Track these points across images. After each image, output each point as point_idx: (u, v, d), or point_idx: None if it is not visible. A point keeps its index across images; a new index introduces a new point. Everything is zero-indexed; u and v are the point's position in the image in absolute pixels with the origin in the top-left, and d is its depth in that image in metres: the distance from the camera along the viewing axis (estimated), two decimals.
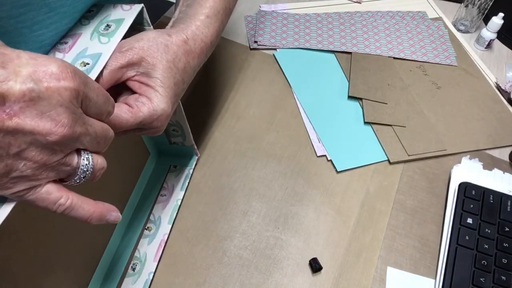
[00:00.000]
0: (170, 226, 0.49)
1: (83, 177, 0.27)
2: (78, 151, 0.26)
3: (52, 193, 0.26)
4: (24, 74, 0.22)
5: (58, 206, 0.26)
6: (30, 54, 0.23)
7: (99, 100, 0.27)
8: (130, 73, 0.34)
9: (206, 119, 0.60)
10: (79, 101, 0.25)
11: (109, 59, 0.32)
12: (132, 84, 0.34)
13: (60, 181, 0.27)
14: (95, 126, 0.27)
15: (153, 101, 0.33)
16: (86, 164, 0.27)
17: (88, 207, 0.28)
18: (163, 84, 0.34)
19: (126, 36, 0.34)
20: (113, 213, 0.30)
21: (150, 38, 0.35)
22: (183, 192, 0.52)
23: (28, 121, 0.22)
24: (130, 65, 0.33)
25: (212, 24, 0.41)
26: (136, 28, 0.38)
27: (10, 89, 0.21)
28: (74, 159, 0.26)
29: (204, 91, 0.63)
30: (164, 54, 0.35)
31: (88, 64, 0.31)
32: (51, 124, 0.23)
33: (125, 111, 0.31)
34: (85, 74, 0.26)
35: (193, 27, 0.39)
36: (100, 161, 0.28)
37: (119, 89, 0.35)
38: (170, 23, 0.41)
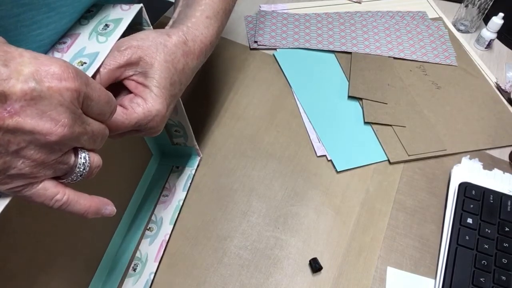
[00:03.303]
0: (172, 226, 0.49)
1: (80, 176, 0.27)
2: (75, 150, 0.27)
3: (49, 189, 0.26)
4: (26, 73, 0.22)
5: (55, 202, 0.26)
6: (32, 53, 0.23)
7: (101, 100, 0.27)
8: (128, 72, 0.34)
9: (206, 119, 0.60)
10: (80, 101, 0.25)
11: (107, 57, 0.32)
12: (128, 83, 0.34)
13: (57, 179, 0.27)
14: (93, 125, 0.27)
15: (148, 102, 0.33)
16: (83, 163, 0.27)
17: (84, 202, 0.28)
18: (159, 85, 0.34)
19: (125, 36, 0.34)
20: (108, 207, 0.30)
21: (149, 37, 0.35)
22: (185, 193, 0.52)
23: (29, 120, 0.22)
24: (128, 65, 0.33)
25: (212, 25, 0.41)
26: (135, 28, 0.38)
27: (12, 88, 0.22)
28: (72, 157, 0.26)
29: (204, 91, 0.63)
30: (163, 54, 0.35)
31: (85, 63, 0.31)
32: (51, 124, 0.23)
33: (119, 113, 0.31)
34: (87, 75, 0.26)
35: (192, 28, 0.39)
36: (96, 159, 0.28)
37: (115, 87, 0.35)
38: (170, 23, 0.41)
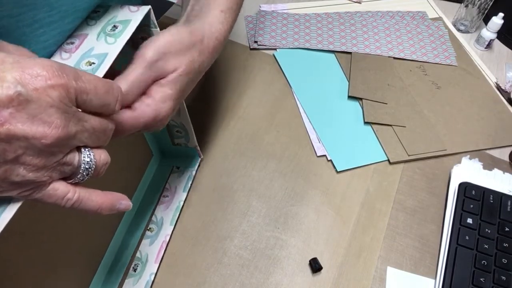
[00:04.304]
0: (172, 227, 0.49)
1: (86, 174, 0.27)
2: (78, 149, 0.26)
3: (59, 189, 0.25)
4: (9, 79, 0.22)
5: (67, 201, 0.26)
6: (14, 58, 0.23)
7: (99, 91, 0.26)
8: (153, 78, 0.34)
9: (206, 119, 0.60)
10: (72, 98, 0.24)
11: (139, 73, 0.32)
12: None
13: (65, 180, 0.26)
14: (91, 121, 0.26)
15: (157, 103, 0.33)
16: (88, 162, 0.26)
17: (96, 199, 0.28)
18: (173, 91, 0.33)
19: (132, 37, 0.34)
20: (123, 202, 0.30)
21: (176, 39, 0.35)
22: (185, 194, 0.52)
23: (20, 126, 0.22)
24: (158, 76, 0.33)
25: (226, 19, 0.40)
26: (142, 29, 0.38)
27: None
28: (75, 157, 0.26)
29: (204, 91, 0.63)
30: (184, 57, 0.35)
31: (93, 63, 0.31)
32: (43, 127, 0.23)
33: (128, 116, 0.31)
34: (75, 68, 0.25)
35: (208, 24, 0.38)
36: (103, 156, 0.28)
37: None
38: (184, 17, 0.40)
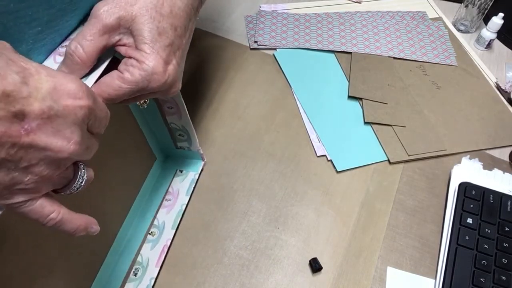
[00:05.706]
0: (174, 231, 0.49)
1: (77, 188, 0.27)
2: (75, 164, 0.27)
3: (45, 207, 0.26)
4: (44, 92, 0.22)
5: (49, 220, 0.26)
6: (47, 71, 0.24)
7: (101, 115, 0.27)
8: (114, 38, 0.31)
9: (206, 119, 0.60)
10: (90, 118, 0.25)
11: (86, 27, 0.30)
12: (119, 50, 0.32)
13: (54, 191, 0.27)
14: (92, 140, 0.27)
15: (140, 62, 0.31)
16: (82, 176, 0.27)
17: (75, 221, 0.28)
18: (146, 40, 0.31)
19: None
20: (94, 226, 0.30)
21: None
22: (188, 197, 0.51)
23: (44, 137, 0.23)
24: (108, 30, 0.31)
25: None
26: None
27: (30, 106, 0.22)
28: (72, 172, 0.27)
29: (203, 91, 0.63)
30: (143, 2, 0.31)
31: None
32: (63, 142, 0.24)
33: (115, 78, 0.30)
34: (94, 92, 0.26)
35: None
36: (90, 173, 0.28)
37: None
38: None
